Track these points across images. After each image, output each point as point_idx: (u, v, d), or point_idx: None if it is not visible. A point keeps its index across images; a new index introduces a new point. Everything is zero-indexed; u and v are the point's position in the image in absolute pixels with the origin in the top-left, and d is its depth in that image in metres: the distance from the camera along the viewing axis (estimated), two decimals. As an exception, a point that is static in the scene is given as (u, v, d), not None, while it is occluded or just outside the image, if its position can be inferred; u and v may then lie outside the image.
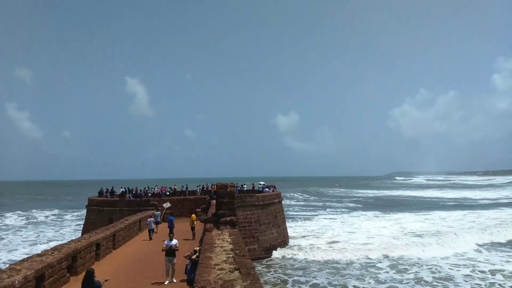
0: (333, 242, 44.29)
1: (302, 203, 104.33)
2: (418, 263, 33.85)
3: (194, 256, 13.57)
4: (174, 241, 15.29)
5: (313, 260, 35.01)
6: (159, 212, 31.58)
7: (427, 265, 32.99)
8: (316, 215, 74.42)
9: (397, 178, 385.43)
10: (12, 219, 68.80)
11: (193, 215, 26.25)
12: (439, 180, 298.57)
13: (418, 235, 48.27)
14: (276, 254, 36.82)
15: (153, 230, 26.93)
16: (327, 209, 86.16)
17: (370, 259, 35.45)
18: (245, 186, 46.89)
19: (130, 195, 41.40)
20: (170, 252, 14.94)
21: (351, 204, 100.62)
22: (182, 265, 16.69)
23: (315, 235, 49.10)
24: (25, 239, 49.35)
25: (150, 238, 26.07)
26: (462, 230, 50.89)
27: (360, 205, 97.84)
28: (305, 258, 35.57)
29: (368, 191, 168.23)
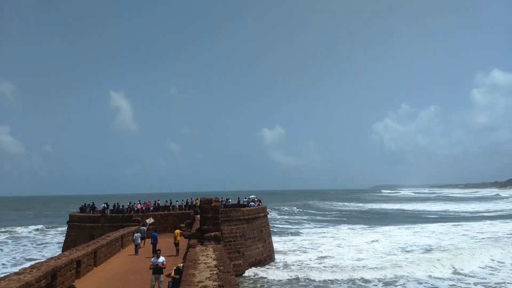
0: (323, 257, 43.44)
1: (288, 216, 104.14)
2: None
3: (173, 274, 13.31)
4: (161, 259, 15.06)
5: (305, 279, 33.27)
6: (144, 228, 31.17)
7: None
8: (304, 229, 74.29)
9: (383, 191, 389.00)
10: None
11: (177, 231, 25.87)
12: (424, 193, 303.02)
13: (411, 250, 47.62)
14: (261, 273, 35.19)
15: (139, 245, 26.55)
16: (314, 223, 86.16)
17: (367, 281, 33.06)
18: (230, 200, 46.63)
19: (108, 210, 40.44)
20: (157, 270, 14.68)
21: (338, 218, 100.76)
22: (165, 281, 16.41)
23: (303, 250, 48.59)
24: (6, 256, 47.92)
25: (136, 253, 25.62)
26: (464, 244, 50.53)
27: (347, 219, 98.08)
28: (294, 278, 33.78)
29: (355, 204, 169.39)
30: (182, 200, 46.59)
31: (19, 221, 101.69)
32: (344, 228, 74.79)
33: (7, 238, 63.74)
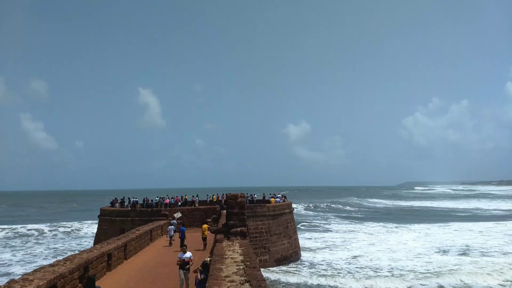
0: (354, 257, 41.47)
1: (316, 213, 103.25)
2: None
3: (199, 276, 13.26)
4: (188, 254, 15.15)
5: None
6: (175, 221, 31.99)
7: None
8: (332, 225, 73.30)
9: (417, 188, 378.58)
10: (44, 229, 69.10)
11: (205, 225, 26.20)
12: (459, 190, 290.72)
13: (447, 251, 45.08)
14: (286, 277, 32.67)
15: (172, 237, 27.77)
16: (344, 220, 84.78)
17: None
18: (255, 196, 46.73)
19: (138, 205, 41.70)
20: (184, 265, 14.80)
21: (369, 215, 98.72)
22: (193, 276, 16.64)
23: (332, 248, 47.37)
24: (46, 248, 50.13)
25: (170, 244, 26.76)
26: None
27: (379, 216, 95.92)
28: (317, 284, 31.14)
29: (386, 201, 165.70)
30: (207, 196, 47.20)
31: (56, 215, 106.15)
32: (375, 225, 73.18)
33: (49, 231, 66.65)
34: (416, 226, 69.51)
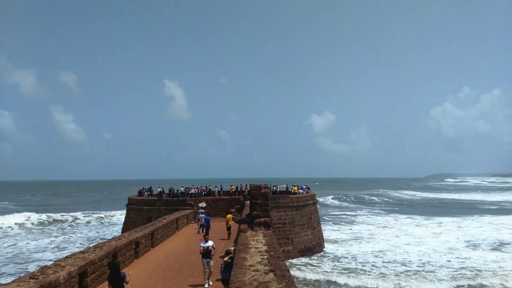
0: (380, 251, 40.16)
1: (342, 204, 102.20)
2: None
3: (226, 258, 13.58)
4: (210, 243, 15.31)
5: None
6: (203, 210, 32.66)
7: None
8: (359, 217, 72.29)
9: (449, 180, 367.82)
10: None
11: (229, 215, 26.51)
12: (492, 183, 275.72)
13: (478, 245, 43.27)
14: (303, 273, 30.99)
15: (203, 224, 27.92)
16: (369, 212, 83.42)
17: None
18: (278, 187, 46.73)
19: (164, 194, 42.54)
20: (207, 254, 14.96)
21: (397, 207, 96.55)
22: (217, 264, 16.91)
23: (357, 241, 46.66)
24: (79, 237, 52.26)
25: (202, 231, 26.94)
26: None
27: (408, 208, 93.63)
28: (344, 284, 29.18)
29: (413, 192, 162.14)
30: (231, 186, 47.64)
31: (89, 204, 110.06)
32: (403, 217, 71.75)
33: (83, 217, 69.34)
34: (446, 219, 67.59)
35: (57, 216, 69.23)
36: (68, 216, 69.62)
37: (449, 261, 36.50)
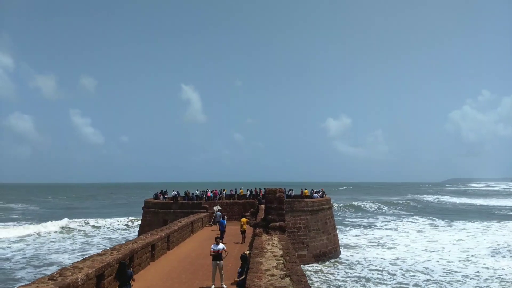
0: (399, 259, 38.47)
1: (357, 209, 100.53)
2: None
3: (241, 278, 13.22)
4: (221, 245, 15.27)
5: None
6: (220, 213, 32.89)
7: None
8: (374, 222, 70.91)
9: (473, 184, 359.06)
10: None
11: (243, 219, 26.48)
12: None
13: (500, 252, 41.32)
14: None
15: (218, 221, 28.68)
16: (387, 216, 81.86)
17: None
18: (292, 191, 46.51)
19: (179, 197, 43.02)
20: (217, 256, 14.97)
21: (414, 212, 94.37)
22: (233, 268, 16.89)
23: (374, 246, 45.70)
24: (101, 239, 53.01)
25: (211, 225, 27.35)
26: None
27: (425, 213, 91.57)
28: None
29: (432, 196, 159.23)
30: (247, 189, 47.66)
31: (111, 207, 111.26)
32: (423, 223, 70.50)
33: (104, 220, 70.07)
34: (468, 225, 66.06)
35: (80, 220, 69.46)
36: (103, 221, 69.02)
37: (477, 272, 34.09)
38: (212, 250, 15.11)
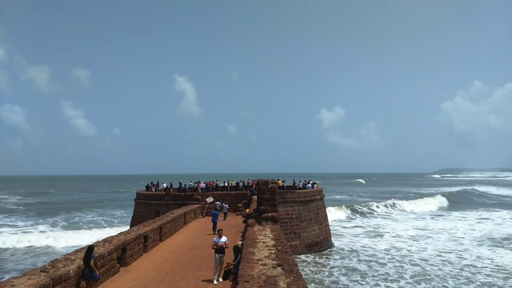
0: (394, 248, 38.80)
1: (351, 199, 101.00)
2: None
3: (231, 266, 13.41)
4: (224, 239, 14.84)
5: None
6: (219, 203, 33.85)
7: None
8: (368, 212, 71.08)
9: (464, 174, 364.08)
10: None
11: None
12: (503, 177, 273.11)
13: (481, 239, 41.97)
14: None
15: (226, 214, 30.24)
16: (380, 207, 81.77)
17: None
18: (285, 182, 46.57)
19: (171, 189, 43.06)
20: (220, 250, 14.63)
21: (416, 202, 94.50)
22: (227, 259, 16.95)
23: (367, 236, 46.10)
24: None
25: (224, 219, 29.22)
26: None
27: (424, 203, 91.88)
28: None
29: (424, 187, 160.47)
30: (240, 181, 47.73)
31: (111, 201, 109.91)
32: (423, 213, 71.45)
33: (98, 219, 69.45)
34: (471, 214, 67.07)
35: (82, 213, 68.97)
36: (96, 213, 68.16)
37: (474, 260, 33.73)
38: (214, 243, 14.64)
